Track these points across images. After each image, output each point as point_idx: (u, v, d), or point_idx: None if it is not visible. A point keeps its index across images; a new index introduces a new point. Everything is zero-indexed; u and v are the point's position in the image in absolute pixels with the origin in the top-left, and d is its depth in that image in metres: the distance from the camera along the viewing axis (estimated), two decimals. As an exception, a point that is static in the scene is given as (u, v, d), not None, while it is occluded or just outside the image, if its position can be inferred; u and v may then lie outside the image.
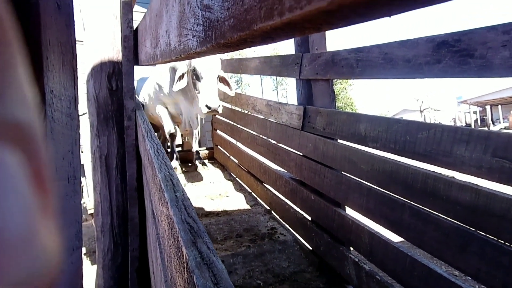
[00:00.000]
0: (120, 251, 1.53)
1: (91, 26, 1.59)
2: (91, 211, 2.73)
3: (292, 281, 1.49)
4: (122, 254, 1.52)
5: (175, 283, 0.32)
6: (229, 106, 2.93)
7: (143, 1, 3.86)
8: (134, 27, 1.52)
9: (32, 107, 0.09)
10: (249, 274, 1.52)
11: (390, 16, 0.14)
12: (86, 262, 3.48)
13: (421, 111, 25.22)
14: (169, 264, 0.38)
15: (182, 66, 2.22)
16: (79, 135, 0.70)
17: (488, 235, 0.82)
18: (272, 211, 2.19)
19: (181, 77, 2.19)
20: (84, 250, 3.58)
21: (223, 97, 2.77)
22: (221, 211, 2.27)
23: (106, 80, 1.63)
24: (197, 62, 2.14)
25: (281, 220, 2.06)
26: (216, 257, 0.24)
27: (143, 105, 2.55)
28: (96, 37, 1.58)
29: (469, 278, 2.03)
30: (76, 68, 0.71)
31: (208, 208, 2.31)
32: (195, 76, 2.18)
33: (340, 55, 1.37)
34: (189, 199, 0.36)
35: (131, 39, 1.51)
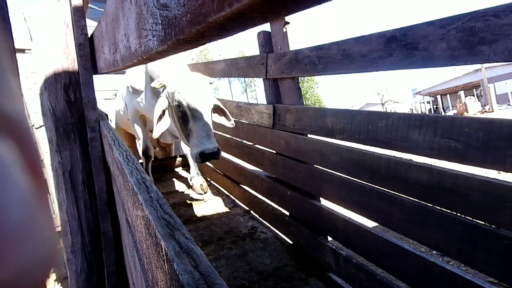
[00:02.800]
0: (94, 270, 1.44)
1: (40, 36, 1.48)
2: (58, 229, 2.51)
3: (275, 277, 1.51)
4: (97, 273, 1.44)
5: (157, 281, 0.32)
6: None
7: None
8: (89, 35, 1.45)
9: (19, 100, 0.09)
10: (233, 275, 1.52)
11: (320, 4, 0.16)
12: (56, 289, 3.21)
13: (382, 104, 26.97)
14: (149, 266, 0.37)
15: (161, 101, 1.63)
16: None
17: (443, 209, 0.92)
18: (251, 211, 2.21)
19: (161, 114, 1.63)
20: (54, 276, 3.28)
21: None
22: (200, 216, 2.24)
23: (62, 92, 1.53)
24: (183, 95, 1.56)
25: (260, 219, 2.09)
26: (194, 245, 0.25)
27: (106, 115, 2.37)
28: (47, 47, 1.48)
29: (435, 252, 2.21)
30: (18, 73, 0.66)
31: (186, 215, 2.26)
32: (181, 114, 1.57)
33: (302, 53, 1.43)
34: (164, 198, 0.37)
35: (87, 47, 1.44)
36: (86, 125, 1.46)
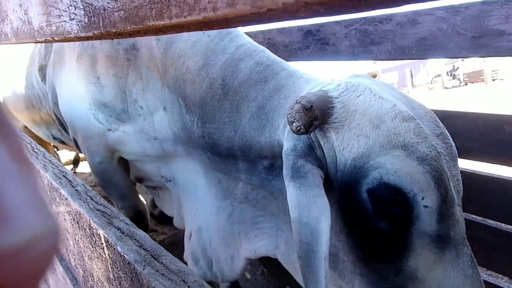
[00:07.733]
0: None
1: None
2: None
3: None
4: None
5: (92, 272, 0.32)
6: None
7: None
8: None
9: None
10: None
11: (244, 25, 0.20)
12: None
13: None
14: (80, 261, 0.36)
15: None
16: None
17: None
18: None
19: None
20: None
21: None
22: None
23: None
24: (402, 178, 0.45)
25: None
26: (136, 228, 0.26)
27: None
28: None
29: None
30: None
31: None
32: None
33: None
34: (93, 190, 0.35)
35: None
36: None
